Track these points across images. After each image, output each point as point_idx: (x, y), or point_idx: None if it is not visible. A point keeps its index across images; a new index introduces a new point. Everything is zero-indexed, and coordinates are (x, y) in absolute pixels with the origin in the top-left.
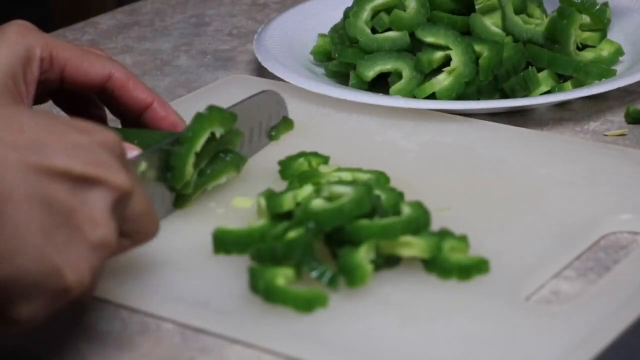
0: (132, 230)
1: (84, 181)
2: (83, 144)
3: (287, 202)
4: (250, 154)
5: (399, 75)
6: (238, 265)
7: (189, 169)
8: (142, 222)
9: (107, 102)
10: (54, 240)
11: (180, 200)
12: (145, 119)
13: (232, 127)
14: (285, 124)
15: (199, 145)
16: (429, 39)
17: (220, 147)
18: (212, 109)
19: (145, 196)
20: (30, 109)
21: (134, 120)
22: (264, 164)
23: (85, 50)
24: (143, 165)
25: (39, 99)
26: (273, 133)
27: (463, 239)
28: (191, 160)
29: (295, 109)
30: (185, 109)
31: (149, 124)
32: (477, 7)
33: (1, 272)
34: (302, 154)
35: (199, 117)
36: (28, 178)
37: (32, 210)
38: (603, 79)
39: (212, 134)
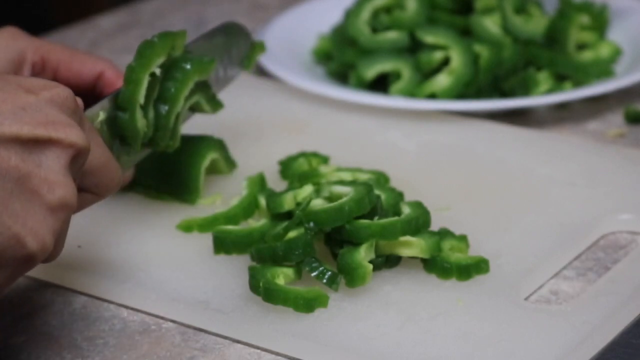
0: (93, 184)
1: (35, 143)
2: (30, 104)
3: (287, 202)
4: (224, 86)
5: (398, 75)
6: (238, 265)
7: (139, 114)
8: (102, 174)
9: (95, 100)
10: (11, 209)
11: (181, 189)
12: None
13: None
14: (255, 48)
15: (144, 83)
16: (429, 39)
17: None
18: (160, 36)
19: (104, 148)
20: None
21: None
22: (264, 164)
23: (75, 51)
24: (101, 115)
25: None
26: (245, 62)
27: (463, 238)
28: (141, 92)
29: (295, 109)
30: None
31: None
32: (477, 7)
33: None
34: (302, 154)
35: (143, 46)
36: None
37: None
38: (602, 79)
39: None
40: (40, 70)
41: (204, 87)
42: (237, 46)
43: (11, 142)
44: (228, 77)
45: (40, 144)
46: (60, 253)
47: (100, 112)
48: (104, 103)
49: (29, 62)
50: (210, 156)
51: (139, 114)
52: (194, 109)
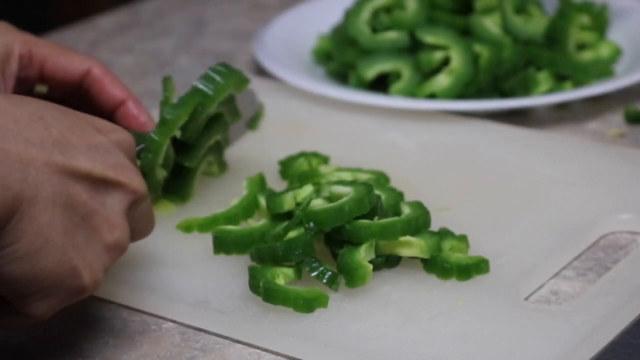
0: (133, 230)
1: (103, 183)
2: (102, 145)
3: (287, 202)
4: (231, 142)
5: (398, 75)
6: (238, 265)
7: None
8: (144, 222)
9: (82, 99)
10: (74, 242)
11: (175, 189)
12: (117, 116)
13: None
14: (262, 112)
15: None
16: (429, 39)
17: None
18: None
19: (149, 198)
20: (46, 102)
21: (106, 118)
22: (264, 164)
23: (62, 47)
24: (137, 162)
25: None
26: (251, 123)
27: (463, 238)
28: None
29: (295, 109)
30: None
31: (120, 121)
32: (477, 7)
33: (23, 271)
34: (302, 154)
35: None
36: (54, 178)
37: (57, 211)
38: (602, 79)
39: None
40: (28, 63)
41: (217, 148)
42: (243, 105)
43: (84, 178)
44: (235, 136)
45: (108, 185)
46: None
47: (137, 160)
48: (140, 149)
49: (16, 55)
50: (207, 160)
51: (158, 170)
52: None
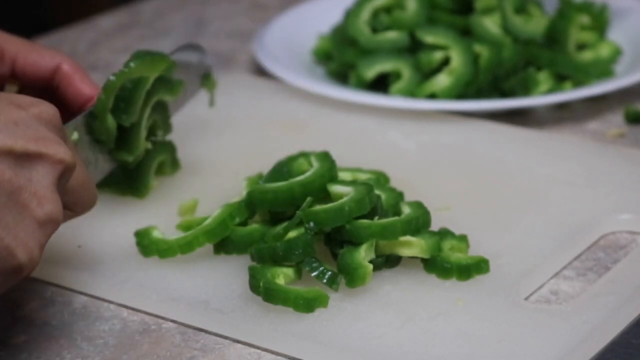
0: (72, 202)
1: (26, 158)
2: (21, 120)
3: None
4: (183, 104)
5: (399, 75)
6: (238, 265)
7: (110, 121)
8: (81, 193)
9: (52, 95)
10: (3, 221)
11: (131, 186)
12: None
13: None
14: (210, 79)
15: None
16: (429, 39)
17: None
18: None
19: (83, 167)
20: None
21: (76, 114)
22: (264, 164)
23: (33, 43)
24: (75, 134)
25: None
26: (206, 82)
27: (463, 238)
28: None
29: (295, 109)
30: (185, 109)
31: None
32: (477, 7)
33: None
34: (302, 154)
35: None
36: None
37: None
38: (602, 79)
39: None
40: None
41: (161, 108)
42: (194, 66)
43: (5, 156)
44: (187, 94)
45: (32, 158)
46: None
47: (74, 132)
48: (77, 122)
49: None
50: (159, 159)
51: (109, 116)
52: (151, 135)
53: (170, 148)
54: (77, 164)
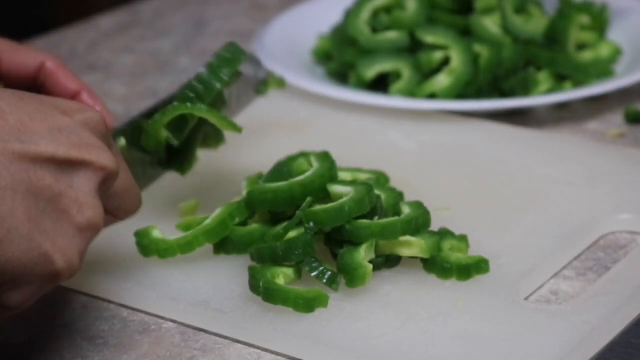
0: (116, 208)
1: (69, 164)
2: (66, 126)
3: None
4: (238, 112)
5: (399, 75)
6: (238, 265)
7: (161, 133)
8: (125, 198)
9: (40, 94)
10: (42, 227)
11: (176, 160)
12: None
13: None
14: (272, 81)
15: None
16: (429, 39)
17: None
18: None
19: (128, 172)
20: (8, 89)
21: None
22: (264, 164)
23: (16, 43)
24: (122, 141)
25: None
26: (260, 88)
27: (463, 238)
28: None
29: (295, 109)
30: None
31: None
32: (477, 7)
33: None
34: (302, 154)
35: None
36: (12, 166)
37: (17, 199)
38: (602, 79)
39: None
40: None
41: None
42: (249, 76)
43: (47, 162)
44: (241, 102)
45: (74, 165)
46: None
47: (121, 138)
48: (124, 128)
49: None
50: (203, 132)
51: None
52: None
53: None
54: (121, 170)
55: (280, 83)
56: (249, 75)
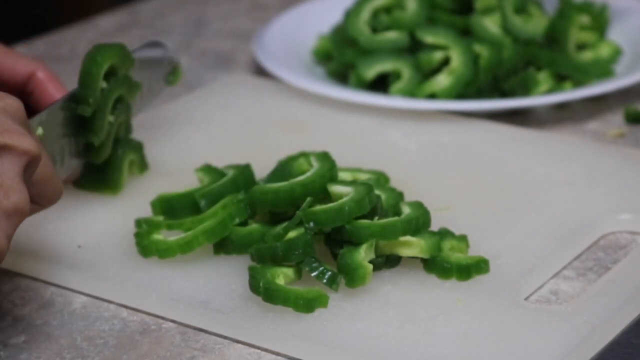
0: (38, 195)
1: None
2: None
3: None
4: (149, 101)
5: (399, 75)
6: (238, 265)
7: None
8: (47, 185)
9: (26, 101)
10: None
11: (104, 183)
12: None
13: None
14: (179, 68)
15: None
16: (429, 39)
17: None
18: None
19: (48, 160)
20: None
21: None
22: (265, 164)
23: (8, 48)
24: (40, 130)
25: None
26: (170, 78)
27: (463, 238)
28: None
29: (295, 109)
30: (185, 109)
31: None
32: (477, 7)
33: None
34: (302, 154)
35: (92, 52)
36: None
37: None
38: (602, 79)
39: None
40: None
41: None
42: (158, 64)
43: None
44: (152, 91)
45: None
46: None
47: (39, 127)
48: (41, 117)
49: None
50: (129, 158)
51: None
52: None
53: (138, 147)
54: (42, 156)
55: (177, 79)
56: (158, 63)
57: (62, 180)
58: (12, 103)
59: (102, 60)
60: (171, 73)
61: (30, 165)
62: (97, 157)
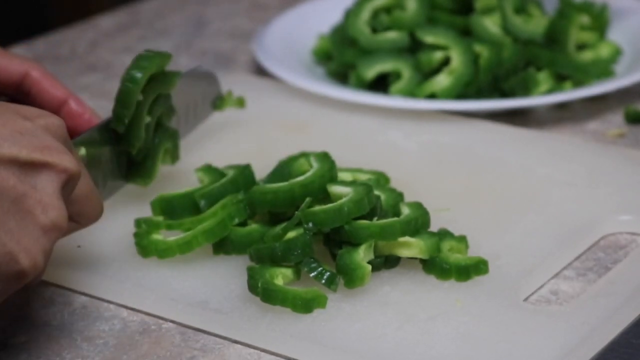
0: (77, 213)
1: (31, 166)
2: (28, 130)
3: None
4: (195, 125)
5: (399, 75)
6: (237, 266)
7: (140, 125)
8: (87, 204)
9: (23, 102)
10: (6, 227)
11: (137, 172)
12: (61, 115)
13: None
14: (232, 98)
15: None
16: (429, 39)
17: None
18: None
19: (89, 178)
20: None
21: None
22: (265, 164)
23: (1, 49)
24: (82, 150)
25: None
26: (216, 103)
27: (462, 239)
28: (134, 102)
29: (295, 109)
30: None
31: (65, 121)
32: (477, 7)
33: None
34: (302, 154)
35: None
36: None
37: None
38: (602, 79)
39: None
40: None
41: (172, 134)
42: (203, 89)
43: (10, 164)
44: (198, 117)
45: (36, 167)
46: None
47: (81, 148)
48: (84, 137)
49: None
50: (164, 146)
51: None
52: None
53: (174, 136)
54: (82, 175)
55: (240, 102)
56: (205, 90)
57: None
58: (54, 122)
59: (141, 78)
60: (220, 99)
61: (69, 183)
62: (144, 181)
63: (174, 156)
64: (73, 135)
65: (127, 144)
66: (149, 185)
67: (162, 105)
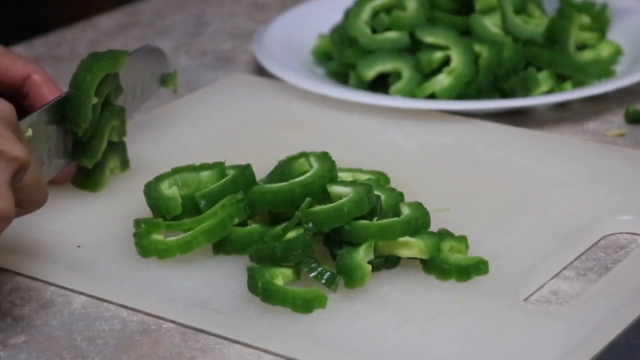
0: (24, 200)
1: None
2: None
3: None
4: (141, 103)
5: (399, 75)
6: (237, 266)
7: (88, 110)
8: (33, 191)
9: (20, 103)
10: None
11: (82, 151)
12: None
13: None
14: (175, 74)
15: (95, 84)
16: (429, 39)
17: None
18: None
19: (36, 165)
20: None
21: None
22: (265, 164)
23: (6, 49)
24: (29, 131)
25: None
26: (164, 80)
27: (462, 239)
28: (91, 96)
29: (295, 109)
30: (185, 109)
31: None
32: (477, 7)
33: None
34: (302, 154)
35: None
36: None
37: None
38: (602, 79)
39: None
40: None
41: (119, 111)
42: (151, 66)
43: None
44: (145, 94)
45: None
46: None
47: (28, 129)
48: (32, 118)
49: None
50: (111, 124)
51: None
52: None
53: (121, 114)
54: (31, 163)
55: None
56: (154, 67)
57: (48, 181)
58: (4, 107)
59: (94, 77)
60: (165, 75)
61: (19, 172)
62: (88, 158)
63: (120, 133)
64: None
65: (73, 125)
66: (97, 192)
67: (110, 84)
